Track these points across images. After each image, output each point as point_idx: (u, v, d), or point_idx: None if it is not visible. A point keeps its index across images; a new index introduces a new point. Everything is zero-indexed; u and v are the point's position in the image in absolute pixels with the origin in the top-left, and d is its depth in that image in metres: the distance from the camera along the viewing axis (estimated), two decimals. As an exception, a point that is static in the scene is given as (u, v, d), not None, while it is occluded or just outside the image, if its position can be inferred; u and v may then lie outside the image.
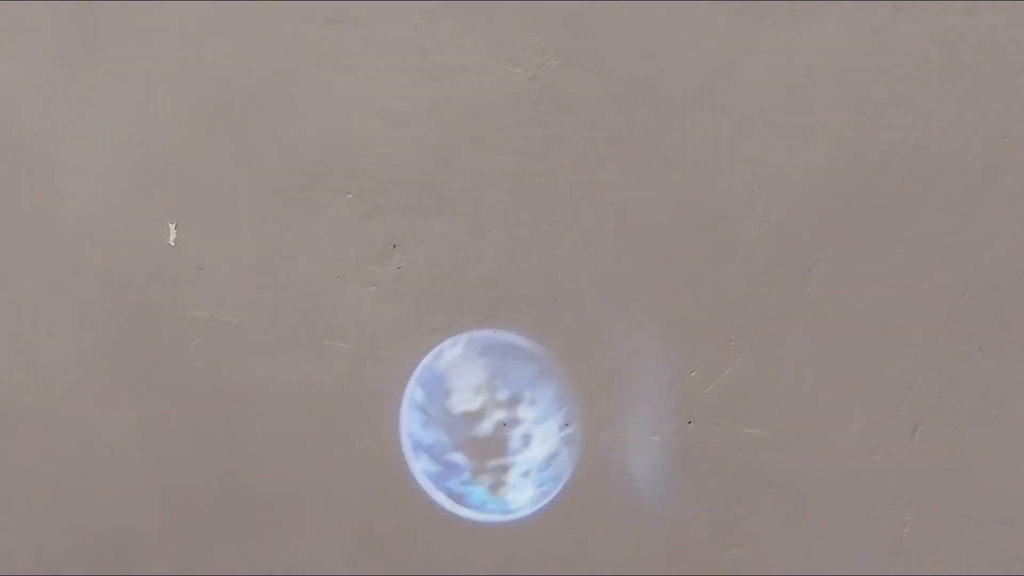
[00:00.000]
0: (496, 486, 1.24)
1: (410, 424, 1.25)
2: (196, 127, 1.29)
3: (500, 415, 1.22)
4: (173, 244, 1.31)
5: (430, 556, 1.35)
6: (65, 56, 1.30)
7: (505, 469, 1.23)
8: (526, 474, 1.23)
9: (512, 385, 1.22)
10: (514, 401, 1.23)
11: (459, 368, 1.23)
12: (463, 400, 1.23)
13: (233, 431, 1.35)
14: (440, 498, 1.26)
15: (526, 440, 1.23)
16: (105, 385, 1.36)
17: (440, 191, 1.26)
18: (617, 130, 1.21)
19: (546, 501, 1.25)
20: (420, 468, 1.25)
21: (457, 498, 1.25)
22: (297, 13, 1.24)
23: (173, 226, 1.31)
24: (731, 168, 1.20)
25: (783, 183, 1.19)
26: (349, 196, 1.27)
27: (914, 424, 1.21)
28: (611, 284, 1.24)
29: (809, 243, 1.20)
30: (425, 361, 1.24)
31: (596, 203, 1.23)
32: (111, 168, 1.32)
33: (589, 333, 1.26)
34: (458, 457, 1.23)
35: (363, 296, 1.30)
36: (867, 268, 1.19)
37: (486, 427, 1.23)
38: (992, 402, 1.20)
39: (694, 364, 1.24)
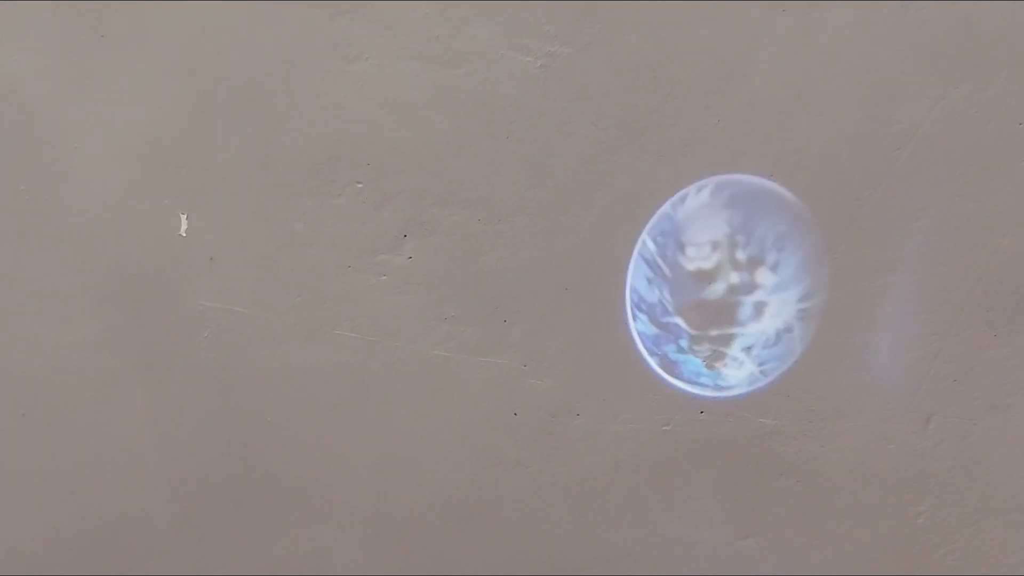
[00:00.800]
0: (714, 358, 1.12)
1: (635, 279, 1.11)
2: (207, 117, 1.29)
3: (735, 278, 1.07)
4: (184, 235, 1.31)
5: (443, 549, 1.35)
6: (76, 47, 1.30)
7: (728, 340, 1.10)
8: (748, 349, 1.11)
9: (756, 244, 1.06)
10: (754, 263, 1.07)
11: (699, 219, 1.08)
12: (697, 256, 1.08)
13: (245, 421, 1.35)
14: (653, 363, 1.14)
15: (758, 310, 1.09)
16: (117, 375, 1.37)
17: (450, 180, 1.26)
18: (628, 117, 1.21)
19: (764, 383, 1.14)
20: (637, 328, 1.12)
21: (670, 366, 1.15)
22: (307, 3, 1.23)
23: (184, 216, 1.31)
24: (744, 155, 1.19)
25: (796, 169, 1.18)
26: (359, 186, 1.27)
27: (928, 413, 1.21)
28: (625, 272, 1.23)
29: (824, 230, 1.19)
30: (663, 209, 1.10)
31: (608, 191, 1.23)
32: (122, 158, 1.32)
33: (605, 324, 1.25)
34: (679, 320, 1.10)
35: (374, 286, 1.29)
36: (881, 255, 1.19)
37: (716, 290, 1.08)
38: (1007, 390, 1.19)
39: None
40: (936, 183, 1.16)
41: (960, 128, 1.14)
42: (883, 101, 1.16)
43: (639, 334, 1.14)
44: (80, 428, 1.40)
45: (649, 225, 1.13)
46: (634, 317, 1.13)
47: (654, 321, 1.12)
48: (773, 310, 1.10)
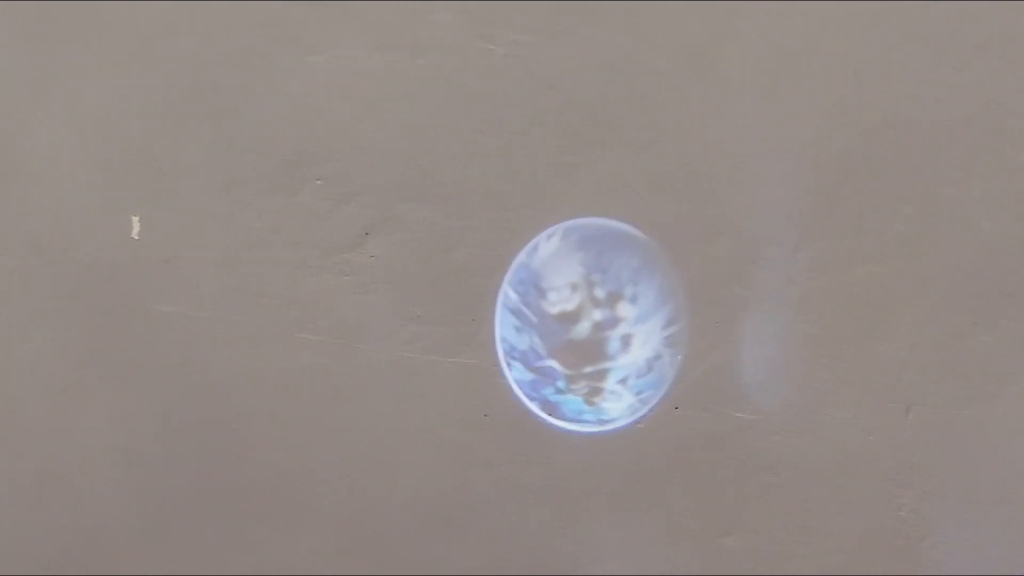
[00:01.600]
0: (592, 394, 1.16)
1: (503, 328, 1.16)
2: (160, 113, 1.25)
3: (598, 315, 1.13)
4: (137, 237, 1.26)
5: (417, 551, 1.32)
6: (27, 42, 1.25)
7: (602, 375, 1.14)
8: (623, 381, 1.15)
9: (612, 281, 1.13)
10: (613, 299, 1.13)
11: (554, 264, 1.14)
12: (559, 300, 1.14)
13: (208, 429, 1.32)
14: (535, 408, 1.18)
15: (625, 342, 1.14)
16: (73, 385, 1.32)
17: (415, 175, 1.22)
18: (599, 107, 1.18)
19: (644, 411, 1.17)
20: (513, 377, 1.17)
21: (551, 408, 1.18)
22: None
23: (136, 219, 1.26)
24: (718, 143, 1.17)
25: (772, 157, 1.16)
26: (319, 183, 1.23)
27: (909, 404, 1.19)
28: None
29: (800, 219, 1.17)
30: (519, 258, 1.15)
31: (580, 184, 1.20)
32: (73, 158, 1.27)
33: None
34: (553, 363, 1.15)
35: (337, 286, 1.26)
36: (860, 244, 1.16)
37: (582, 329, 1.14)
38: (990, 379, 1.18)
39: (680, 347, 1.20)
40: (916, 169, 1.14)
41: (941, 112, 1.12)
42: (861, 85, 1.13)
43: (517, 382, 1.19)
44: (37, 439, 1.36)
45: (508, 276, 1.18)
46: (509, 367, 1.19)
47: (528, 367, 1.17)
48: (640, 340, 1.16)
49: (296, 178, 1.24)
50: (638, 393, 1.18)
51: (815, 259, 1.17)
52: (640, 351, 1.16)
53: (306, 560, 1.33)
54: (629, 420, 1.19)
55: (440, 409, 1.27)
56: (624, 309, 1.14)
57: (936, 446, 1.19)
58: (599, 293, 1.14)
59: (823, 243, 1.17)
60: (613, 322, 1.14)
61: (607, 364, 1.15)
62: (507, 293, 1.16)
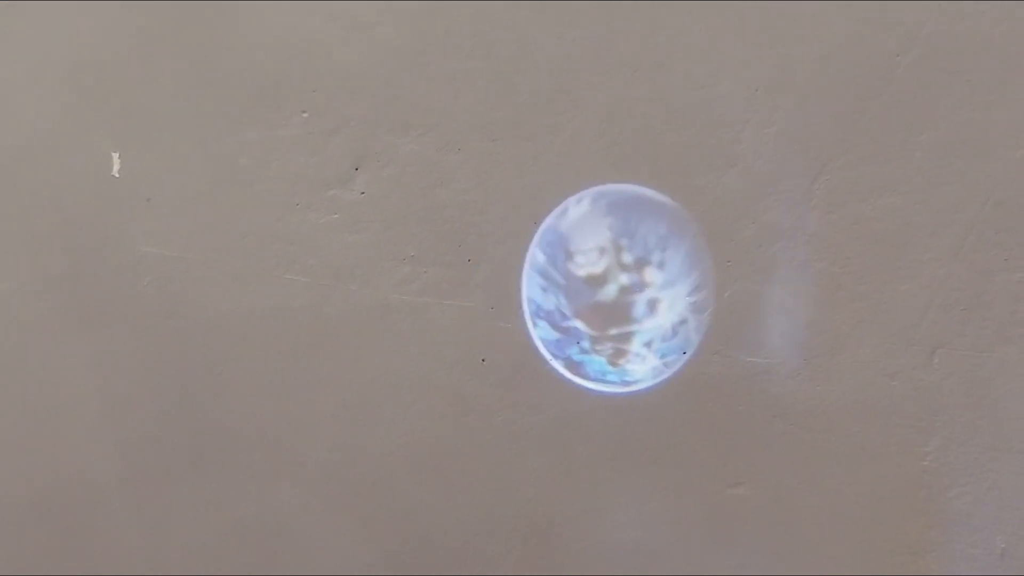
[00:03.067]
0: (616, 356, 1.16)
1: (530, 290, 1.16)
2: (137, 43, 1.22)
3: (624, 279, 1.14)
4: (117, 175, 1.22)
5: (410, 502, 1.28)
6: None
7: (627, 338, 1.15)
8: (648, 344, 1.15)
9: (640, 246, 1.14)
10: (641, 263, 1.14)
11: (583, 228, 1.15)
12: (586, 263, 1.14)
13: (193, 373, 1.29)
14: (559, 367, 1.18)
15: (651, 306, 1.15)
16: (54, 327, 1.30)
17: (404, 104, 1.17)
18: (601, 29, 1.12)
19: (668, 374, 1.17)
20: (539, 336, 1.17)
21: (575, 367, 1.17)
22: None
23: (116, 155, 1.22)
24: (728, 67, 1.10)
25: (786, 82, 1.09)
26: (304, 115, 1.19)
27: (934, 346, 1.13)
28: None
29: (815, 149, 1.10)
30: (548, 221, 1.16)
31: (579, 112, 1.14)
32: (46, 91, 1.24)
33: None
34: (578, 324, 1.15)
35: (325, 224, 1.22)
36: (880, 175, 1.10)
37: (609, 292, 1.14)
38: (1020, 319, 1.11)
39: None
40: (942, 92, 1.07)
41: (966, 31, 1.05)
42: (881, 3, 1.06)
43: (542, 341, 1.19)
44: (17, 382, 1.34)
45: (536, 238, 1.17)
46: (534, 325, 1.18)
47: (554, 327, 1.17)
48: (666, 305, 1.15)
49: (280, 110, 1.20)
50: (662, 356, 1.16)
51: (831, 192, 1.11)
52: (666, 315, 1.15)
53: (291, 510, 1.30)
54: (652, 382, 1.17)
55: (434, 354, 1.23)
56: (651, 274, 1.14)
57: (962, 391, 1.13)
58: (626, 257, 1.14)
59: (839, 174, 1.10)
60: (640, 286, 1.14)
61: (632, 327, 1.15)
62: (535, 254, 1.16)
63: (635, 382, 1.18)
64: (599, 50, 1.12)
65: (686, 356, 1.17)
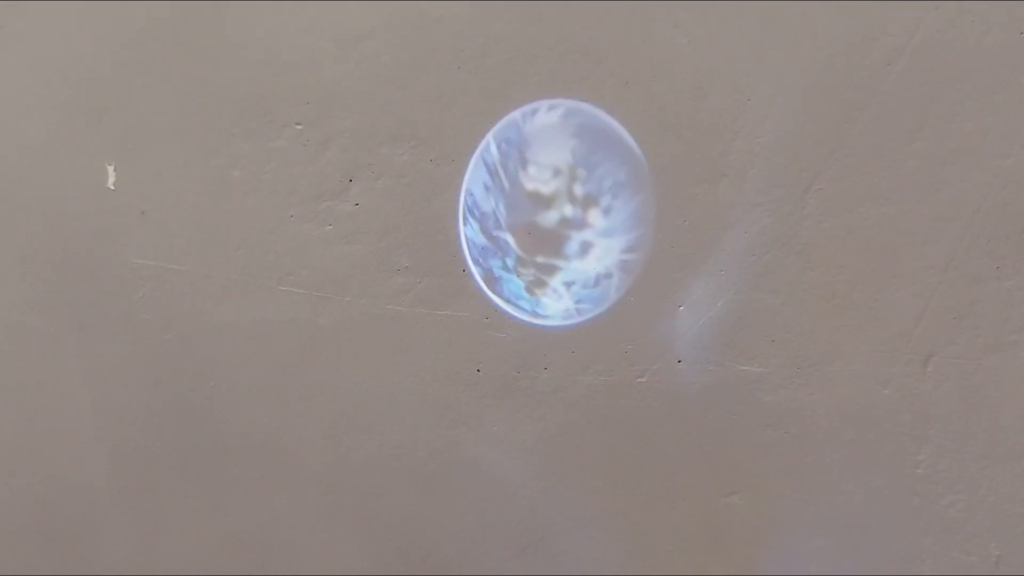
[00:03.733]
0: (535, 285, 1.13)
1: (472, 182, 1.12)
2: (130, 55, 1.21)
3: (568, 210, 1.10)
4: (112, 187, 1.22)
5: (404, 514, 1.27)
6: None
7: (551, 271, 1.12)
8: (569, 284, 1.12)
9: (594, 183, 1.09)
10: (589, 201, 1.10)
11: (546, 138, 1.10)
12: (537, 177, 1.10)
13: (187, 385, 1.28)
14: (476, 274, 1.15)
15: (584, 248, 1.11)
16: (49, 339, 1.30)
17: (397, 116, 1.17)
18: (590, 41, 1.12)
19: (575, 320, 1.14)
20: (467, 233, 1.14)
21: (492, 282, 1.15)
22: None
23: (112, 168, 1.22)
24: (718, 78, 1.10)
25: (777, 92, 1.09)
26: (298, 127, 1.18)
27: (927, 354, 1.12)
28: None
29: (807, 158, 1.10)
30: (514, 115, 1.10)
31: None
32: (39, 103, 1.24)
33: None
34: (509, 239, 1.12)
35: (319, 236, 1.21)
36: (872, 183, 1.10)
37: (549, 217, 1.10)
38: (1013, 326, 1.11)
39: (682, 297, 1.14)
40: (931, 101, 1.07)
41: (956, 39, 1.05)
42: (871, 11, 1.06)
43: (468, 240, 1.14)
44: (11, 394, 1.33)
45: (495, 129, 1.12)
46: (465, 222, 1.14)
47: (485, 232, 1.13)
48: (598, 252, 1.12)
49: (274, 122, 1.20)
50: (577, 302, 1.14)
51: (823, 201, 1.11)
52: (595, 263, 1.12)
53: (285, 521, 1.29)
54: (559, 323, 1.15)
55: (428, 365, 1.22)
56: (594, 216, 1.11)
57: (955, 399, 1.13)
58: (577, 189, 1.10)
59: (832, 183, 1.10)
60: (580, 224, 1.11)
61: (559, 262, 1.12)
62: (489, 145, 1.11)
63: (544, 317, 1.15)
64: (590, 61, 1.12)
65: (679, 364, 1.17)
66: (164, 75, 1.21)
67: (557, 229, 1.11)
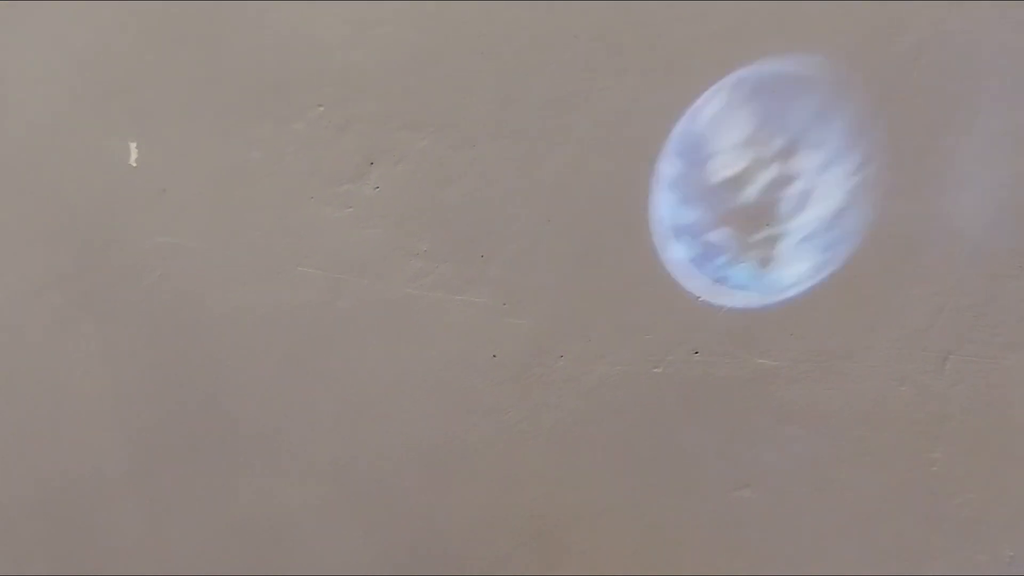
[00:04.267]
0: (765, 260, 1.07)
1: (660, 207, 1.06)
2: (154, 35, 1.22)
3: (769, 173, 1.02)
4: (135, 164, 1.23)
5: (415, 502, 1.27)
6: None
7: (775, 239, 1.05)
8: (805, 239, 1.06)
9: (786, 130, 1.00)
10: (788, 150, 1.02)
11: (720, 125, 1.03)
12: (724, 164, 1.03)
13: (201, 366, 1.29)
14: (703, 287, 1.10)
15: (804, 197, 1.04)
16: (65, 317, 1.30)
17: (419, 101, 1.17)
18: (609, 31, 1.11)
19: (829, 270, 1.07)
20: (674, 258, 1.08)
21: (719, 285, 1.10)
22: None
23: (134, 145, 1.22)
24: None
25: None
26: (320, 109, 1.19)
27: (945, 352, 1.11)
28: (606, 201, 1.14)
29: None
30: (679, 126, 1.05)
31: (588, 113, 1.13)
32: (63, 83, 1.24)
33: (591, 258, 1.16)
34: (722, 234, 1.05)
35: (338, 219, 1.21)
36: (893, 176, 1.08)
37: (751, 190, 1.03)
38: (1033, 326, 1.09)
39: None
40: (955, 96, 1.05)
41: (982, 35, 1.03)
42: (894, 3, 1.05)
43: (679, 261, 1.09)
44: (27, 373, 1.33)
45: (666, 147, 1.08)
46: (669, 249, 1.09)
47: (693, 243, 1.08)
48: (821, 193, 1.04)
49: (295, 105, 1.20)
50: (825, 250, 1.09)
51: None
52: (822, 204, 1.06)
53: (297, 506, 1.30)
54: (813, 281, 1.09)
55: (444, 350, 1.23)
56: (801, 161, 1.04)
57: (972, 397, 1.12)
58: (773, 147, 1.03)
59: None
60: (787, 179, 1.04)
61: (784, 226, 1.05)
62: (663, 167, 1.08)
63: (790, 286, 1.11)
64: (607, 52, 1.12)
65: (696, 355, 1.16)
66: (187, 55, 1.21)
67: (767, 196, 1.04)
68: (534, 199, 1.17)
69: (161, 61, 1.22)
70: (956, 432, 1.13)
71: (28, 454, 1.35)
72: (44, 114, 1.26)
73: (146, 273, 1.26)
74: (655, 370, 1.18)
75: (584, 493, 1.23)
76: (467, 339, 1.21)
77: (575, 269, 1.17)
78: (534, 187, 1.16)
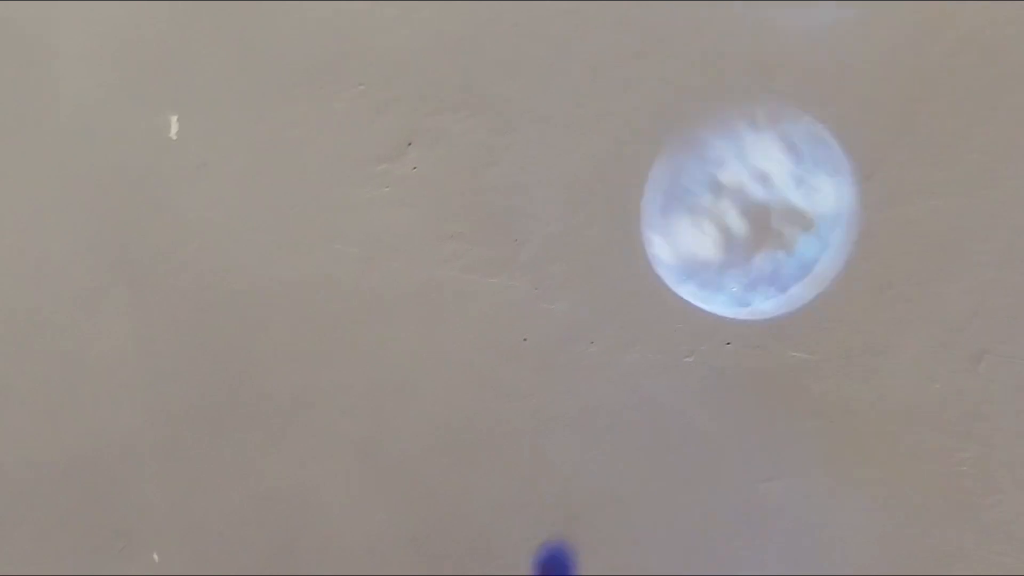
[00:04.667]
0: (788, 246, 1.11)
1: (685, 281, 1.13)
2: (197, 13, 1.22)
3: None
4: (175, 137, 1.23)
5: (440, 482, 1.27)
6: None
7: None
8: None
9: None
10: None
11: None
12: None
13: (234, 340, 1.29)
14: (722, 307, 1.14)
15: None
16: (101, 288, 1.30)
17: (459, 83, 1.17)
18: (656, 17, 1.11)
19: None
20: (687, 293, 1.15)
21: (748, 296, 1.14)
22: None
23: (175, 119, 1.23)
24: (781, 60, 1.10)
25: (839, 78, 1.08)
26: (361, 88, 1.19)
27: (980, 351, 1.11)
28: (642, 190, 1.14)
29: (868, 147, 1.09)
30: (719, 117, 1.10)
31: (632, 98, 1.13)
32: (106, 57, 1.25)
33: (624, 245, 1.15)
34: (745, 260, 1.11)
35: (375, 197, 1.21)
36: (933, 174, 1.08)
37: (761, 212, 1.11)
38: (1069, 328, 1.08)
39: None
40: (996, 93, 1.05)
41: (1021, 36, 1.03)
42: (938, 5, 1.05)
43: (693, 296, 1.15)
44: (61, 341, 1.34)
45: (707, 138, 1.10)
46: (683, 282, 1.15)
47: (712, 282, 1.13)
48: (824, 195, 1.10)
49: (335, 83, 1.20)
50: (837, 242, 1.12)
51: (881, 190, 1.09)
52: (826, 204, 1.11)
53: (325, 482, 1.29)
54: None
55: (474, 333, 1.22)
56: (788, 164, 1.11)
57: (1006, 398, 1.11)
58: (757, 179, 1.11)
59: (890, 173, 1.09)
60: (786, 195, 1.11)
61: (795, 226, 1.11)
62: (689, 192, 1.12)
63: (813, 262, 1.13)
64: (653, 38, 1.12)
65: (728, 345, 1.16)
66: (230, 32, 1.21)
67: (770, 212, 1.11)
68: (570, 185, 1.17)
69: (204, 37, 1.22)
70: (988, 432, 1.12)
71: (60, 424, 1.35)
72: (91, 87, 1.26)
73: (182, 246, 1.27)
74: (686, 359, 1.17)
75: (611, 480, 1.22)
76: (498, 322, 1.21)
77: (608, 256, 1.17)
78: (570, 173, 1.16)
